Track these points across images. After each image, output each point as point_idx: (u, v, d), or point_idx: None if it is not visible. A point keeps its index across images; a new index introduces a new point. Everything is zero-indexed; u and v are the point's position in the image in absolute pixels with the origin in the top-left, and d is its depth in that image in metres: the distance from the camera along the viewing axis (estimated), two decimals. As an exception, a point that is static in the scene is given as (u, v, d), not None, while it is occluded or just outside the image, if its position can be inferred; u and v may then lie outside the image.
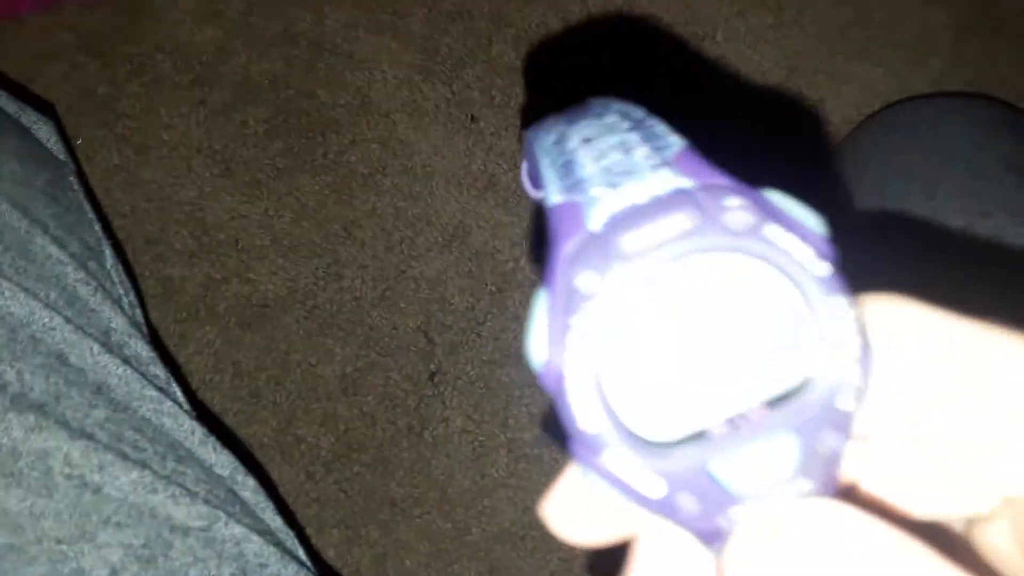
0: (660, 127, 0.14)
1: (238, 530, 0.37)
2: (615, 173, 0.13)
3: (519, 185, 0.77)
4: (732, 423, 0.13)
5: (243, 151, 0.76)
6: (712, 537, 0.13)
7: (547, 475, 0.72)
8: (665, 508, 0.13)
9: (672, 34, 0.80)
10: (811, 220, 0.13)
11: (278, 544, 0.39)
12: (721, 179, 0.13)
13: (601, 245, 0.13)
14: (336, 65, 0.78)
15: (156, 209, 0.74)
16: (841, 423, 0.13)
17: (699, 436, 0.13)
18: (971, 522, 0.16)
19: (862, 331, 0.13)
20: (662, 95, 0.79)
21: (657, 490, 0.13)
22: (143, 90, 0.76)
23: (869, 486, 0.16)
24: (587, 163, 0.14)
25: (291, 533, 0.41)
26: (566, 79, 0.79)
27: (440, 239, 0.75)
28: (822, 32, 0.81)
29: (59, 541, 0.32)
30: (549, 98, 0.79)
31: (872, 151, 0.61)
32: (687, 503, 0.13)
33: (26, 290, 0.36)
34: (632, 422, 0.13)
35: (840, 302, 0.13)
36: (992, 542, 0.15)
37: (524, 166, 0.17)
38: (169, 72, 0.77)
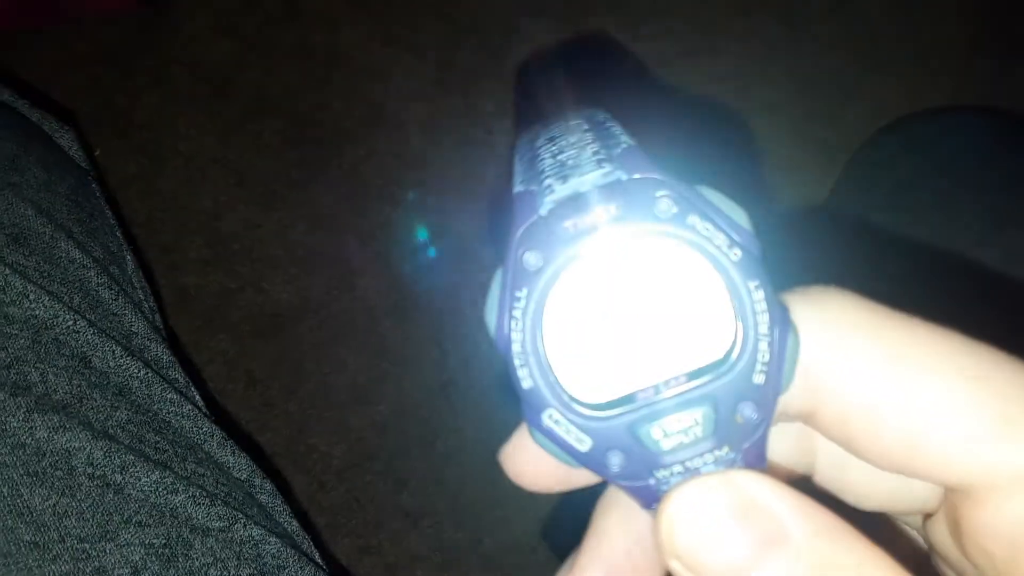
0: (616, 129, 0.16)
1: (256, 532, 0.37)
2: (567, 167, 0.15)
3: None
4: (656, 390, 0.15)
5: (258, 162, 0.76)
6: (646, 496, 0.15)
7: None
8: (595, 463, 0.15)
9: (684, 47, 0.81)
10: (736, 213, 0.15)
11: (295, 547, 0.39)
12: (656, 173, 0.15)
13: (546, 228, 0.15)
14: (351, 78, 0.79)
15: (171, 219, 0.75)
16: (758, 396, 0.15)
17: (626, 400, 0.15)
18: (926, 517, 0.17)
19: (773, 312, 0.15)
20: (673, 106, 0.80)
21: (586, 446, 0.15)
22: (160, 102, 0.77)
23: (821, 479, 0.17)
24: (546, 158, 0.15)
25: (307, 537, 0.41)
26: (580, 90, 0.80)
27: (453, 250, 0.76)
28: (834, 46, 0.81)
29: (82, 539, 0.33)
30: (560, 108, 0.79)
31: (884, 165, 0.61)
32: (615, 460, 0.15)
33: (50, 293, 0.37)
34: (568, 385, 0.15)
35: (751, 285, 0.14)
36: (934, 535, 0.16)
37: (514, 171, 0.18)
38: (186, 84, 0.78)
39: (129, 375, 0.37)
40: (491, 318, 0.15)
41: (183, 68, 0.78)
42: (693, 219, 0.14)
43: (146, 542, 0.34)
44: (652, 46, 0.81)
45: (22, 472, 0.33)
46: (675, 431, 0.15)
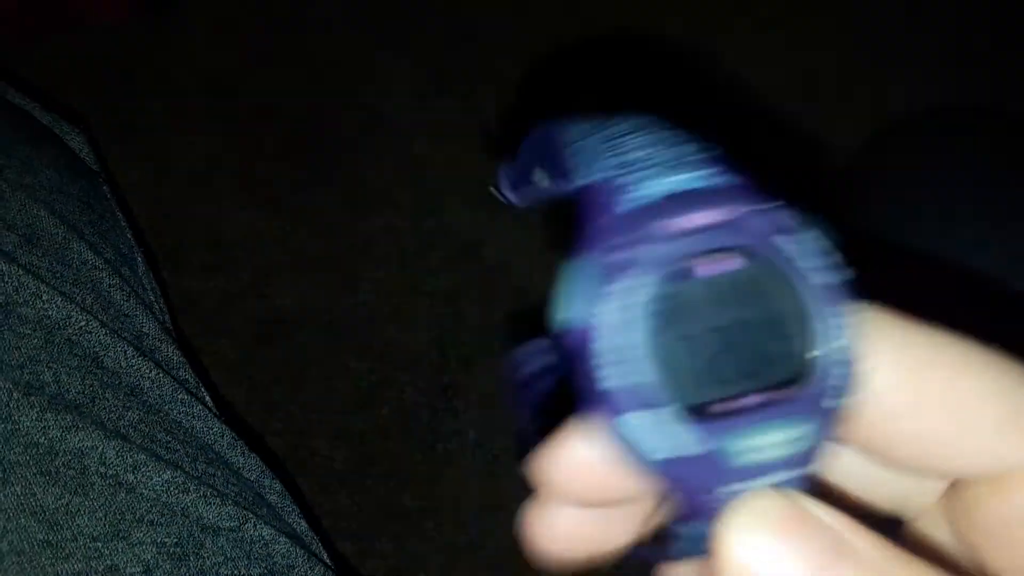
0: (689, 134, 0.15)
1: (267, 531, 0.37)
2: (656, 163, 0.14)
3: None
4: (737, 404, 0.14)
5: (260, 168, 0.77)
6: (708, 508, 0.14)
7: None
8: (668, 471, 0.14)
9: (685, 51, 0.81)
10: (820, 236, 0.15)
11: (304, 547, 0.40)
12: (750, 188, 0.14)
13: (639, 223, 0.14)
14: (351, 84, 0.79)
15: (174, 225, 0.75)
16: (825, 419, 0.15)
17: (703, 411, 0.14)
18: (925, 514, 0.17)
19: (854, 339, 0.14)
20: (675, 110, 0.80)
21: (661, 452, 0.14)
22: (162, 109, 0.78)
23: (832, 477, 0.17)
24: (632, 151, 0.15)
25: (316, 537, 0.41)
26: (580, 94, 0.80)
27: (454, 254, 0.76)
28: (834, 50, 0.81)
29: (94, 539, 0.33)
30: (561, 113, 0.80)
31: (884, 165, 0.61)
32: (686, 471, 0.14)
33: (63, 294, 0.37)
34: (649, 389, 0.14)
35: (838, 311, 0.14)
36: (927, 529, 0.17)
37: (504, 170, 0.18)
38: (188, 91, 0.78)
39: (141, 375, 0.38)
40: (566, 313, 0.14)
41: (185, 75, 0.78)
42: (785, 239, 0.14)
43: (158, 541, 0.34)
44: (653, 50, 0.81)
45: (35, 471, 0.33)
46: (750, 447, 0.14)
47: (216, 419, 0.40)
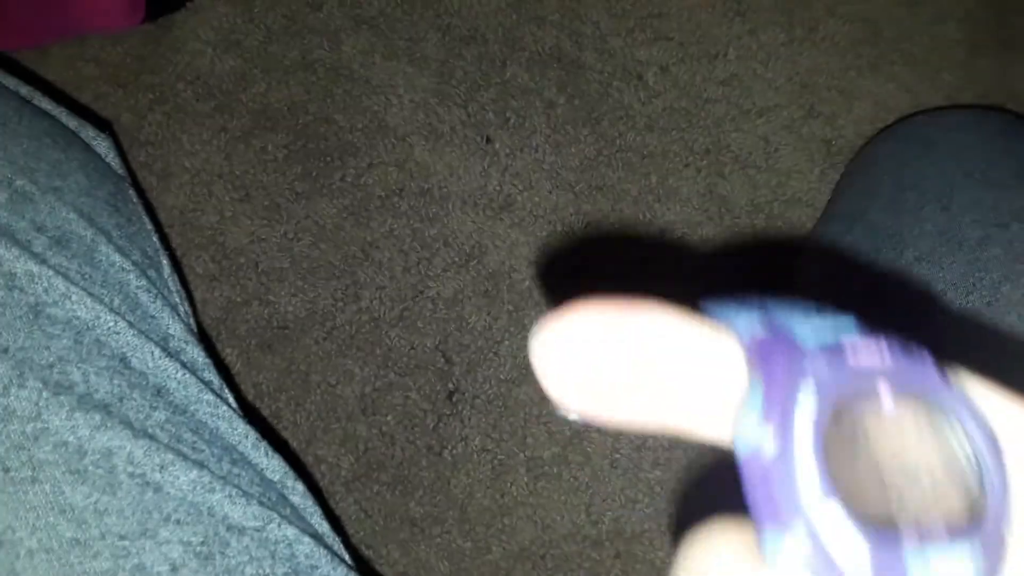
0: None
1: (290, 532, 0.38)
2: (826, 325, 0.15)
3: (534, 205, 0.78)
4: (918, 529, 0.15)
5: (263, 176, 0.77)
6: None
7: (566, 493, 0.72)
8: None
9: (683, 51, 0.81)
10: (969, 394, 0.16)
11: (327, 547, 0.40)
12: (908, 345, 0.15)
13: (821, 355, 0.15)
14: (353, 90, 0.80)
15: (178, 234, 0.75)
16: (999, 549, 0.15)
17: (891, 534, 0.15)
18: None
19: (1012, 491, 0.15)
20: (674, 113, 0.80)
21: (860, 570, 0.14)
22: (165, 119, 0.78)
23: None
24: (801, 322, 0.16)
25: (337, 538, 0.42)
26: (580, 100, 0.80)
27: (457, 259, 0.76)
28: (833, 48, 0.81)
29: (122, 537, 0.33)
30: (562, 122, 0.80)
31: (885, 165, 0.61)
32: None
33: (92, 295, 0.37)
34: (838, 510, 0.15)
35: (1003, 464, 0.15)
36: None
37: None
38: (190, 100, 0.78)
39: (167, 376, 0.38)
40: (752, 432, 0.15)
41: (187, 85, 0.79)
42: (960, 392, 0.15)
43: (184, 540, 0.34)
44: (651, 51, 0.81)
45: (64, 470, 0.33)
46: (943, 571, 0.15)
47: (240, 420, 0.41)
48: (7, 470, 0.33)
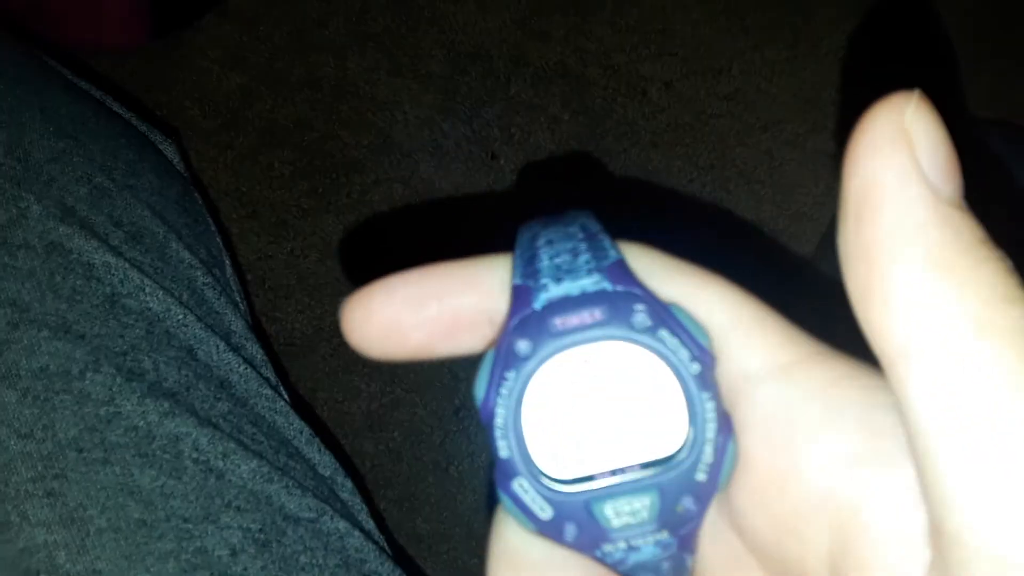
0: (607, 241, 0.18)
1: (342, 525, 0.39)
2: (561, 270, 0.18)
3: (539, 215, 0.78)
4: (613, 474, 0.17)
5: (269, 193, 0.77)
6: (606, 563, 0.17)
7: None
8: (552, 530, 0.17)
9: (687, 67, 0.82)
10: (700, 333, 0.17)
11: (375, 543, 0.41)
12: (638, 288, 0.17)
13: (538, 321, 0.17)
14: (358, 107, 0.80)
15: (185, 251, 0.76)
16: (698, 491, 0.17)
17: (586, 479, 0.17)
18: None
19: (720, 422, 0.17)
20: (678, 128, 0.80)
21: (547, 514, 0.17)
22: (171, 134, 0.78)
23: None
24: (544, 259, 0.18)
25: (382, 537, 0.43)
26: (584, 116, 0.80)
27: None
28: (837, 63, 0.81)
29: (186, 520, 0.35)
30: (567, 138, 0.80)
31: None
32: (570, 530, 0.17)
33: (163, 288, 0.39)
34: (538, 460, 0.17)
35: (705, 396, 0.17)
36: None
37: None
38: (197, 118, 0.79)
39: (230, 369, 0.40)
40: (479, 392, 0.17)
41: (193, 102, 0.79)
42: (663, 333, 0.17)
43: (244, 526, 0.36)
44: (655, 66, 0.82)
45: (133, 453, 0.35)
46: (625, 512, 0.17)
47: (295, 416, 0.42)
48: (80, 451, 0.34)
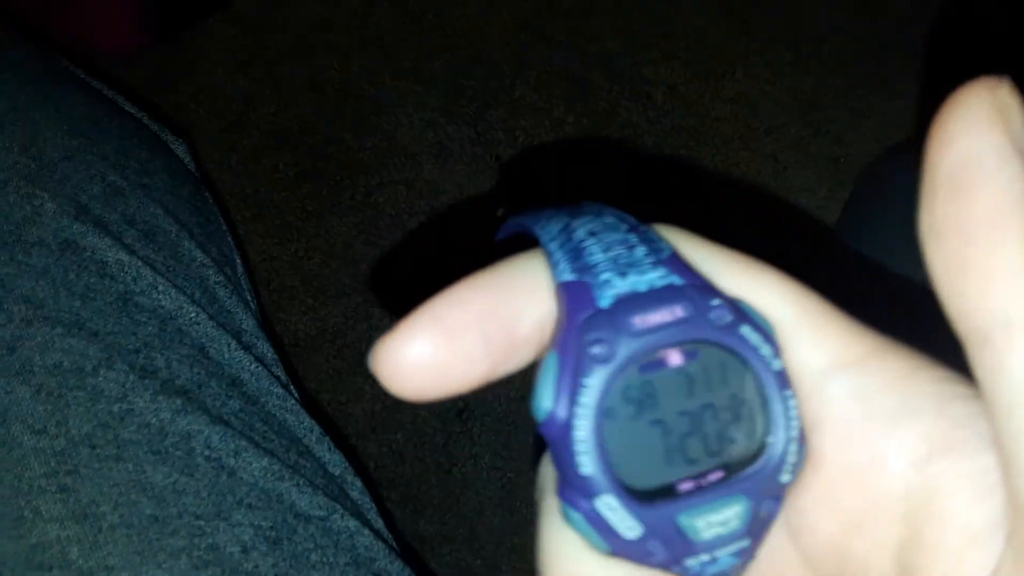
0: (651, 232, 0.17)
1: (352, 523, 0.39)
2: (621, 263, 0.16)
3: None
4: (697, 482, 0.16)
5: (274, 195, 0.78)
6: None
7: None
8: (638, 550, 0.16)
9: (691, 70, 0.82)
10: (769, 327, 0.16)
11: (385, 542, 0.41)
12: (705, 282, 0.16)
13: (611, 320, 0.15)
14: (362, 110, 0.80)
15: (189, 253, 0.76)
16: (779, 493, 0.16)
17: (670, 490, 0.16)
18: None
19: (799, 416, 0.16)
20: (682, 131, 0.80)
21: (634, 533, 0.16)
22: (176, 138, 0.79)
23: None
24: (596, 252, 0.16)
25: (391, 537, 0.43)
26: (588, 119, 0.81)
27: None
28: (841, 66, 0.81)
29: (198, 517, 0.35)
30: (571, 140, 0.80)
31: (896, 182, 0.61)
32: (656, 548, 0.16)
33: (176, 287, 0.39)
34: (619, 471, 0.16)
35: (788, 394, 0.16)
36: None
37: (506, 227, 0.20)
38: (202, 121, 0.79)
39: (241, 368, 0.40)
40: (545, 402, 0.16)
41: (198, 105, 0.79)
42: (746, 329, 0.16)
43: (255, 524, 0.36)
44: (658, 70, 0.82)
45: (146, 450, 0.35)
46: (716, 523, 0.16)
47: (306, 415, 0.42)
48: (94, 447, 0.34)
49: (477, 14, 0.83)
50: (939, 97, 0.15)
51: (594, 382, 0.15)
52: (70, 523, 0.33)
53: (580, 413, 0.15)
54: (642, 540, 0.16)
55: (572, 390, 0.15)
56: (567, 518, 0.16)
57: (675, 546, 0.16)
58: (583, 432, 0.15)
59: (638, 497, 0.16)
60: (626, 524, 0.15)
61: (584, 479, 0.15)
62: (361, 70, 0.81)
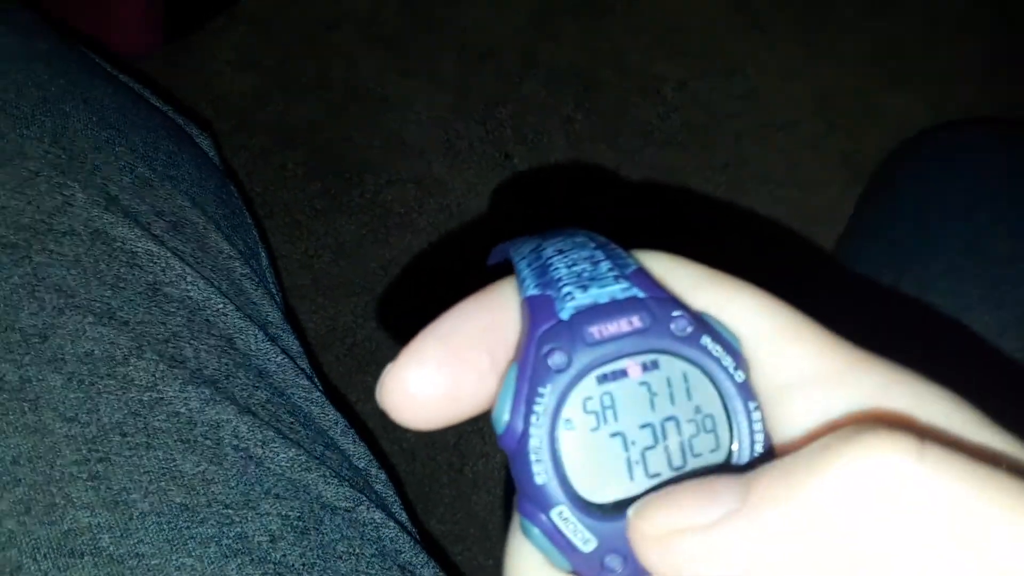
0: (619, 250, 0.17)
1: (377, 515, 0.39)
2: (584, 278, 0.16)
3: (554, 220, 0.78)
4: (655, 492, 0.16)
5: (283, 194, 0.77)
6: None
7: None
8: (596, 565, 0.15)
9: (702, 66, 0.81)
10: (734, 339, 0.16)
11: (409, 534, 0.41)
12: (669, 295, 0.16)
13: (569, 331, 0.16)
14: (370, 108, 0.80)
15: (198, 252, 0.76)
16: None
17: (628, 503, 0.15)
18: None
19: (764, 428, 0.16)
20: (692, 128, 0.80)
21: (589, 545, 0.15)
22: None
23: None
24: (561, 268, 0.16)
25: (415, 530, 0.43)
26: (597, 116, 0.80)
27: (476, 275, 0.76)
28: (854, 63, 0.81)
29: (226, 506, 0.35)
30: (581, 138, 0.80)
31: (908, 179, 0.61)
32: (615, 563, 0.15)
33: (204, 278, 0.40)
34: (577, 484, 0.15)
35: (752, 406, 0.16)
36: None
37: (493, 254, 0.20)
38: (211, 119, 0.79)
39: (267, 359, 0.40)
40: (504, 413, 0.16)
41: (207, 104, 0.79)
42: (706, 340, 0.16)
43: (283, 514, 0.36)
44: (669, 67, 0.81)
45: (176, 438, 0.35)
46: None
47: (331, 407, 0.42)
48: (124, 435, 0.34)
49: (486, 12, 0.82)
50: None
51: (550, 390, 0.15)
52: (101, 510, 0.33)
53: (536, 422, 0.15)
54: (598, 553, 0.15)
55: (529, 399, 0.15)
56: (527, 533, 0.16)
57: (635, 562, 0.15)
58: (538, 441, 0.15)
59: (595, 510, 0.15)
60: (580, 536, 0.15)
61: (539, 488, 0.15)
62: (369, 69, 0.81)
